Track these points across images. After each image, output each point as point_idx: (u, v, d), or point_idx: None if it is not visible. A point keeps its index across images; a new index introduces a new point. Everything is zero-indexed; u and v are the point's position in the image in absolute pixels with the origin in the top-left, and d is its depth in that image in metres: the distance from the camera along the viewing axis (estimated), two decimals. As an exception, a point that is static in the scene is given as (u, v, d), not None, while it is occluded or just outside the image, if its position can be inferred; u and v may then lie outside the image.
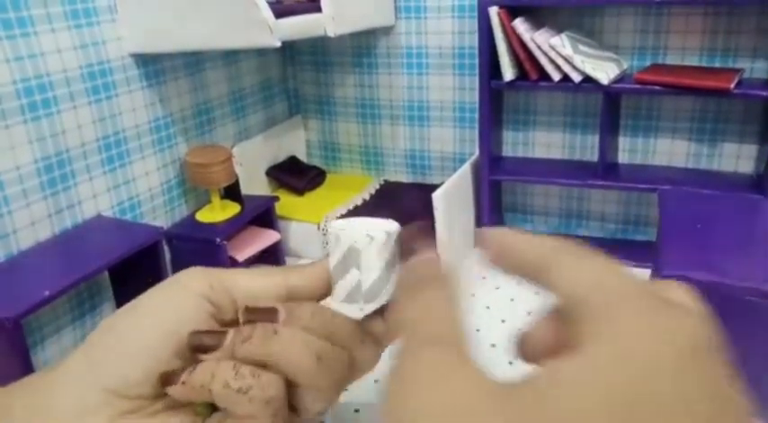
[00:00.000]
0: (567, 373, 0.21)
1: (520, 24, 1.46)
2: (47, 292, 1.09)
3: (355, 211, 1.74)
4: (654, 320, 0.23)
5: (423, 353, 0.23)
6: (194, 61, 1.60)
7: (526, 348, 0.29)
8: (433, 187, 1.57)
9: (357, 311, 0.33)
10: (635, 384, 0.20)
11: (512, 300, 1.44)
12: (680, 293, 0.27)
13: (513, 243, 0.30)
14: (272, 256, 1.69)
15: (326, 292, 0.35)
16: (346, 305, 0.33)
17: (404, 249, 0.35)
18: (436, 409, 0.21)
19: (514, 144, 1.80)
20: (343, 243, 0.32)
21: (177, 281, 0.31)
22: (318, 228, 1.68)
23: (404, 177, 1.97)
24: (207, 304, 0.31)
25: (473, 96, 1.75)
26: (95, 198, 1.38)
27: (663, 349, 0.21)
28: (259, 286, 0.33)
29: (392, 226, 0.34)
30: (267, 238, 1.65)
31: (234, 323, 0.33)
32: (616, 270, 0.26)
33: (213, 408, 0.30)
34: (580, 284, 0.25)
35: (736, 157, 1.60)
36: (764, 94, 1.39)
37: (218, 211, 1.57)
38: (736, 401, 0.23)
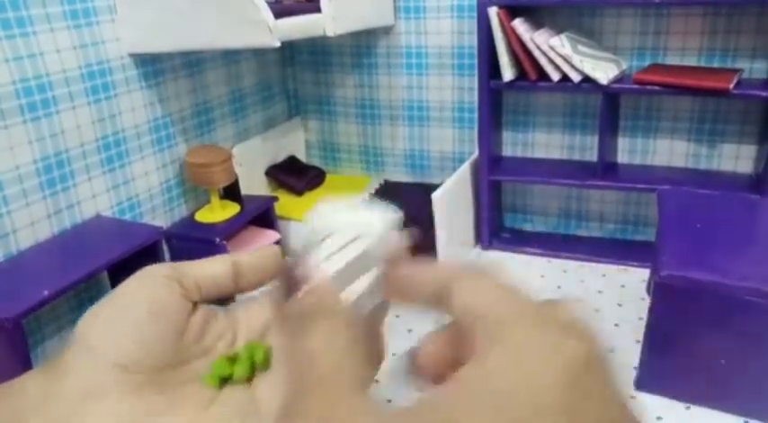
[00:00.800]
0: (460, 380, 0.22)
1: (519, 25, 1.46)
2: (46, 292, 1.09)
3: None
4: (544, 337, 0.23)
5: (305, 394, 0.24)
6: (194, 61, 1.60)
7: (419, 365, 0.30)
8: (433, 187, 1.57)
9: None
10: (522, 395, 0.21)
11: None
12: (569, 314, 0.28)
13: (412, 276, 0.30)
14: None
15: (274, 272, 0.35)
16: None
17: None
18: None
19: (514, 144, 1.80)
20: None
21: (145, 272, 0.33)
22: (318, 228, 1.68)
23: (403, 177, 1.97)
24: (177, 286, 0.32)
25: (472, 96, 1.75)
26: (95, 198, 1.38)
27: (551, 363, 0.22)
28: (212, 267, 0.34)
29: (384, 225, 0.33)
30: (267, 237, 1.65)
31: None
32: (512, 289, 0.27)
33: (223, 380, 0.31)
34: (477, 303, 0.26)
35: (735, 158, 1.60)
36: (764, 94, 1.39)
37: (217, 211, 1.57)
38: (626, 419, 0.25)
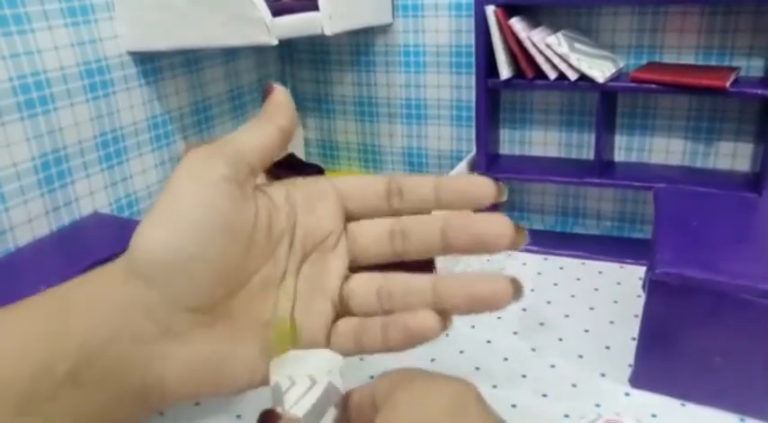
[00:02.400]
0: None
1: (516, 23, 1.47)
2: (43, 289, 1.09)
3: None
4: (419, 392, 0.28)
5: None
6: (192, 59, 1.60)
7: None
8: (430, 185, 1.58)
9: None
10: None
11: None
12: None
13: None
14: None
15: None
16: None
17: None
18: None
19: (511, 142, 1.80)
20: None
21: (199, 178, 0.29)
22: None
23: (401, 175, 1.97)
24: (235, 188, 0.30)
25: (470, 94, 1.76)
26: (92, 195, 1.38)
27: (424, 412, 0.27)
28: (260, 143, 0.32)
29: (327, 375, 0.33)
30: (264, 235, 1.65)
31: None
32: (407, 371, 0.31)
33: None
34: (380, 387, 0.30)
35: (732, 156, 1.60)
36: (760, 92, 1.39)
37: (215, 209, 1.57)
38: None
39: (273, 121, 0.33)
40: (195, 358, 0.28)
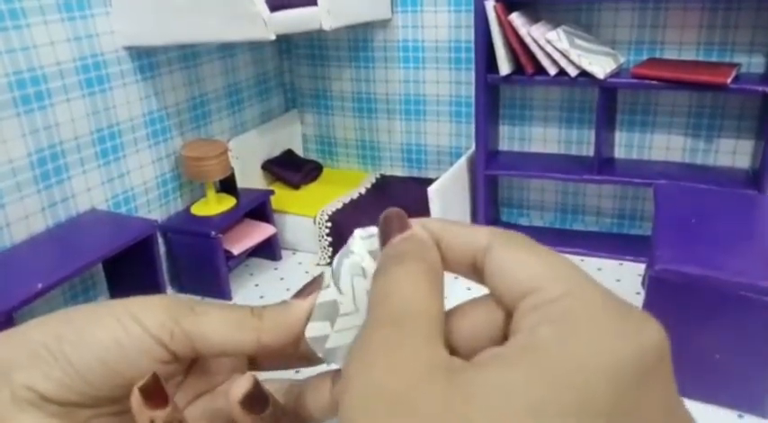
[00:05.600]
0: (506, 353, 0.20)
1: (516, 18, 1.45)
2: (40, 285, 1.09)
3: (351, 205, 1.74)
4: (613, 323, 0.21)
5: (377, 331, 0.23)
6: (189, 54, 1.59)
7: (452, 333, 0.29)
8: (429, 181, 1.57)
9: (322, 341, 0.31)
10: (589, 390, 0.19)
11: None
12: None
13: (446, 241, 0.29)
14: (267, 249, 1.69)
15: (294, 348, 0.33)
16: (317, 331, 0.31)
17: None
18: (379, 389, 0.21)
19: (510, 138, 1.80)
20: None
21: (138, 319, 0.30)
22: (314, 221, 1.67)
23: (400, 171, 1.97)
24: (163, 352, 0.30)
25: (469, 91, 1.75)
26: (89, 191, 1.37)
27: (622, 348, 0.20)
28: (227, 342, 0.31)
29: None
30: (263, 231, 1.65)
31: (183, 363, 0.32)
32: (563, 259, 0.24)
33: None
34: (522, 276, 0.24)
35: (732, 153, 1.59)
36: (761, 88, 1.38)
37: (213, 205, 1.57)
38: (686, 419, 0.22)
39: (262, 332, 0.32)
40: None
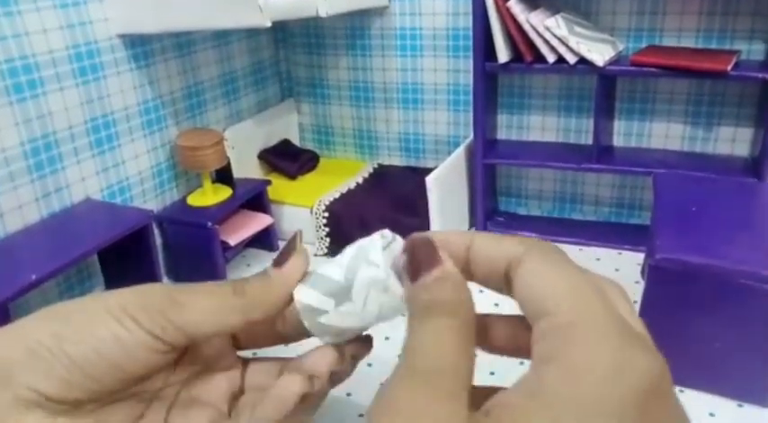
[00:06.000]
0: (516, 403, 0.22)
1: (515, 5, 1.44)
2: (34, 276, 1.08)
3: (349, 195, 1.73)
4: (613, 354, 0.22)
5: (406, 382, 0.23)
6: (184, 42, 1.58)
7: (489, 343, 0.29)
8: (427, 171, 1.56)
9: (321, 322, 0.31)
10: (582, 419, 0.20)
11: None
12: (617, 297, 0.26)
13: (475, 252, 0.28)
14: (264, 239, 1.68)
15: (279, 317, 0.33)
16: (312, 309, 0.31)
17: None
18: None
19: (509, 127, 1.78)
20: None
21: (132, 315, 0.29)
22: (311, 212, 1.66)
23: (398, 161, 1.96)
24: (159, 344, 0.30)
25: (467, 79, 1.73)
26: (84, 181, 1.36)
27: (616, 391, 0.21)
28: (216, 327, 0.31)
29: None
30: (259, 221, 1.63)
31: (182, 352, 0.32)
32: (582, 282, 0.24)
33: None
34: (544, 294, 0.24)
35: (731, 141, 1.59)
36: (761, 76, 1.37)
37: (209, 195, 1.55)
38: None
39: (247, 312, 0.32)
40: None
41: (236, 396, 0.35)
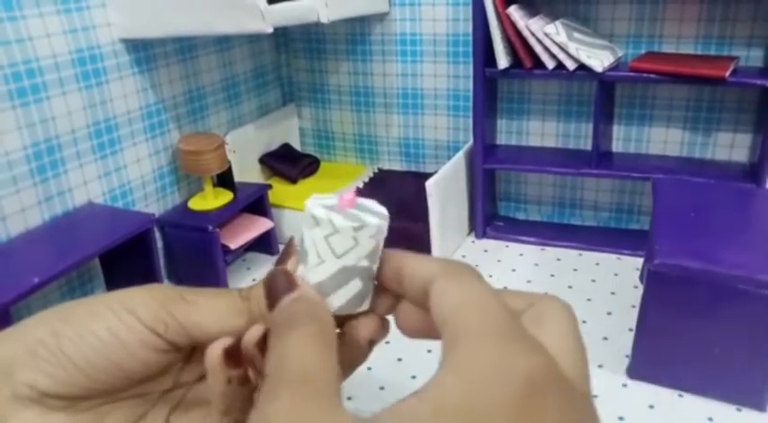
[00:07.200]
0: (406, 409, 0.22)
1: (514, 11, 1.45)
2: (36, 279, 1.08)
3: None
4: (495, 359, 0.23)
5: (277, 396, 0.24)
6: (186, 47, 1.58)
7: (399, 326, 0.31)
8: (427, 175, 1.57)
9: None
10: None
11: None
12: (554, 310, 0.27)
13: (402, 269, 0.30)
14: (265, 243, 1.68)
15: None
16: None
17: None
18: None
19: (508, 132, 1.79)
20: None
21: (133, 312, 0.30)
22: (311, 216, 1.67)
23: (398, 166, 1.96)
24: (160, 342, 0.30)
25: (467, 84, 1.74)
26: (86, 185, 1.37)
27: (497, 391, 0.21)
28: (221, 328, 0.32)
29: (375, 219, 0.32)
30: (260, 225, 1.64)
31: (182, 350, 0.33)
32: (483, 295, 0.26)
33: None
34: (446, 306, 0.26)
35: (730, 146, 1.59)
36: (759, 82, 1.38)
37: (210, 199, 1.56)
38: None
39: (249, 317, 0.32)
40: None
41: None
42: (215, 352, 0.30)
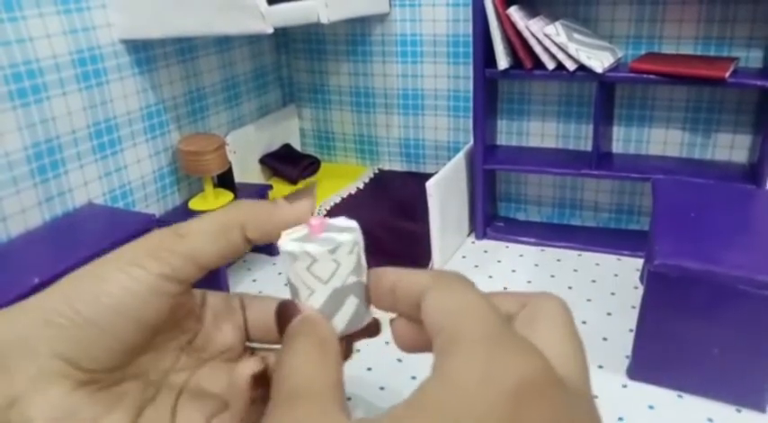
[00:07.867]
0: (395, 413, 0.22)
1: (514, 12, 1.45)
2: (36, 280, 1.08)
3: (349, 200, 1.74)
4: (485, 364, 0.22)
5: (279, 408, 0.25)
6: (186, 48, 1.59)
7: (395, 340, 0.31)
8: (428, 176, 1.57)
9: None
10: None
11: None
12: (547, 308, 0.27)
13: (393, 284, 0.30)
14: (265, 244, 1.68)
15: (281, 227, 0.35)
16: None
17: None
18: None
19: (508, 133, 1.79)
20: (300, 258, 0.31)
21: (139, 264, 0.31)
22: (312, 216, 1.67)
23: (398, 166, 1.96)
24: (171, 285, 0.31)
25: (467, 85, 1.74)
26: (86, 185, 1.37)
27: (487, 397, 0.21)
28: (220, 248, 0.33)
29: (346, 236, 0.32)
30: (260, 226, 1.64)
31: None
32: (473, 303, 0.26)
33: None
34: (438, 315, 0.26)
35: (729, 147, 1.60)
36: (759, 83, 1.38)
37: (211, 200, 1.56)
38: None
39: (247, 227, 0.34)
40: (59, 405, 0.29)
41: None
42: (244, 376, 0.31)
